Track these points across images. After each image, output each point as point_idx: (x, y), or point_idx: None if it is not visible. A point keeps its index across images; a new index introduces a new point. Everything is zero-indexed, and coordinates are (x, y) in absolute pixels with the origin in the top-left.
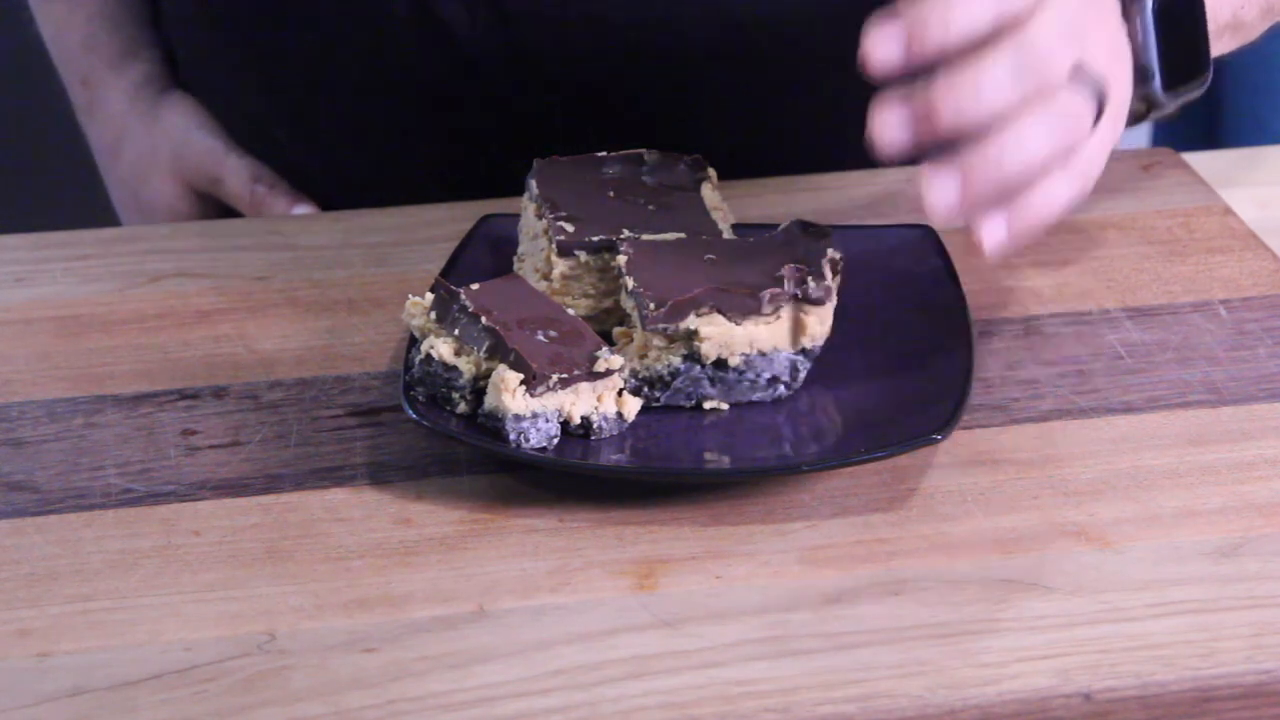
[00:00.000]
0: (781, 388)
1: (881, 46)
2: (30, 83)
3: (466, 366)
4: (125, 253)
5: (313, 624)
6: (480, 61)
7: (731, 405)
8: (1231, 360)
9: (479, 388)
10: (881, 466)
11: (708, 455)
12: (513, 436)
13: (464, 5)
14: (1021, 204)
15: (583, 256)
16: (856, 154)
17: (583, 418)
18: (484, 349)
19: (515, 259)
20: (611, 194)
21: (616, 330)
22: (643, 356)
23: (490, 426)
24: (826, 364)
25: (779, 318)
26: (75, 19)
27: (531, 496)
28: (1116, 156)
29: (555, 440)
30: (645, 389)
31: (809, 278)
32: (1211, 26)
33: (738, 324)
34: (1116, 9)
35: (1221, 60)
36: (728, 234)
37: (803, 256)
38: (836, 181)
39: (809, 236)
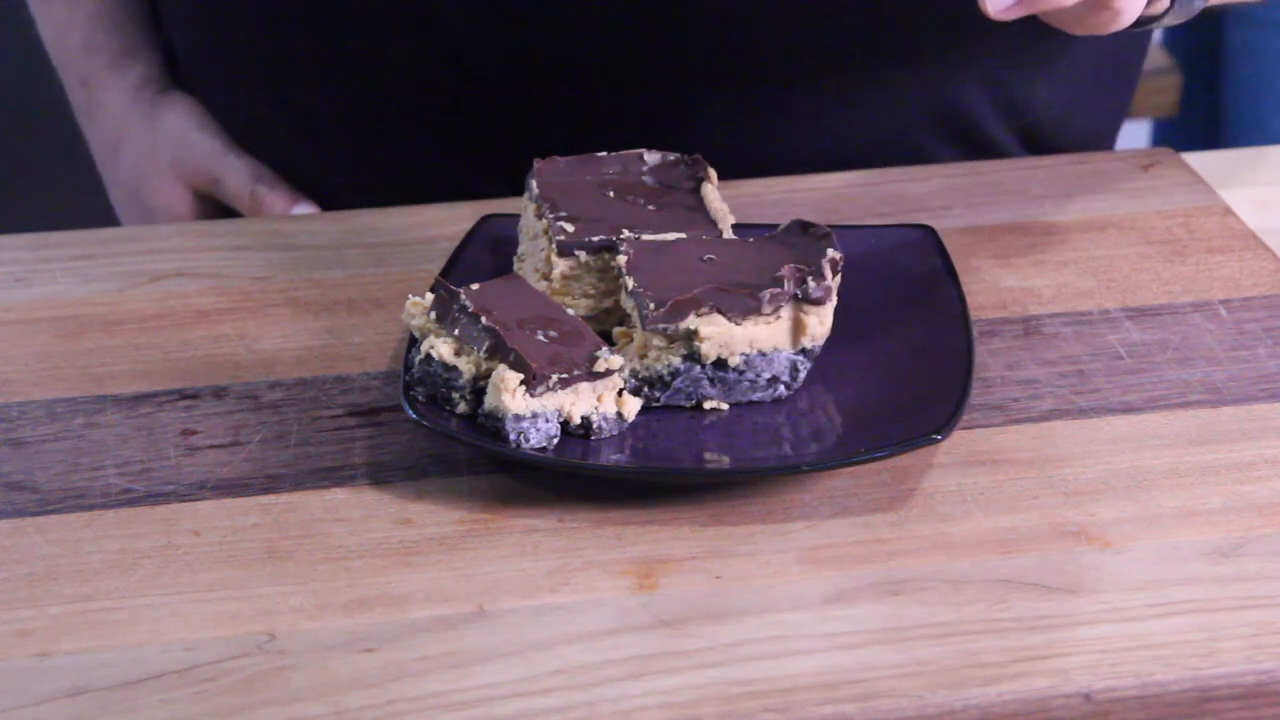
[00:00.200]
0: (781, 388)
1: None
2: (30, 83)
3: (466, 366)
4: (125, 253)
5: (313, 624)
6: (480, 61)
7: (731, 405)
8: (1231, 360)
9: (479, 388)
10: (881, 466)
11: (708, 455)
12: (513, 436)
13: (464, 5)
14: None
15: (583, 256)
16: (856, 154)
17: (583, 418)
18: (484, 349)
19: (515, 259)
20: (611, 194)
21: (616, 330)
22: (643, 356)
23: (490, 426)
24: (826, 364)
25: (779, 318)
26: (75, 20)
27: (531, 496)
28: (1117, 156)
29: (555, 440)
30: (645, 389)
31: (809, 278)
32: None
33: (738, 324)
34: None
35: (1223, 60)
36: (728, 234)
37: (803, 256)
38: (837, 181)
39: (809, 236)
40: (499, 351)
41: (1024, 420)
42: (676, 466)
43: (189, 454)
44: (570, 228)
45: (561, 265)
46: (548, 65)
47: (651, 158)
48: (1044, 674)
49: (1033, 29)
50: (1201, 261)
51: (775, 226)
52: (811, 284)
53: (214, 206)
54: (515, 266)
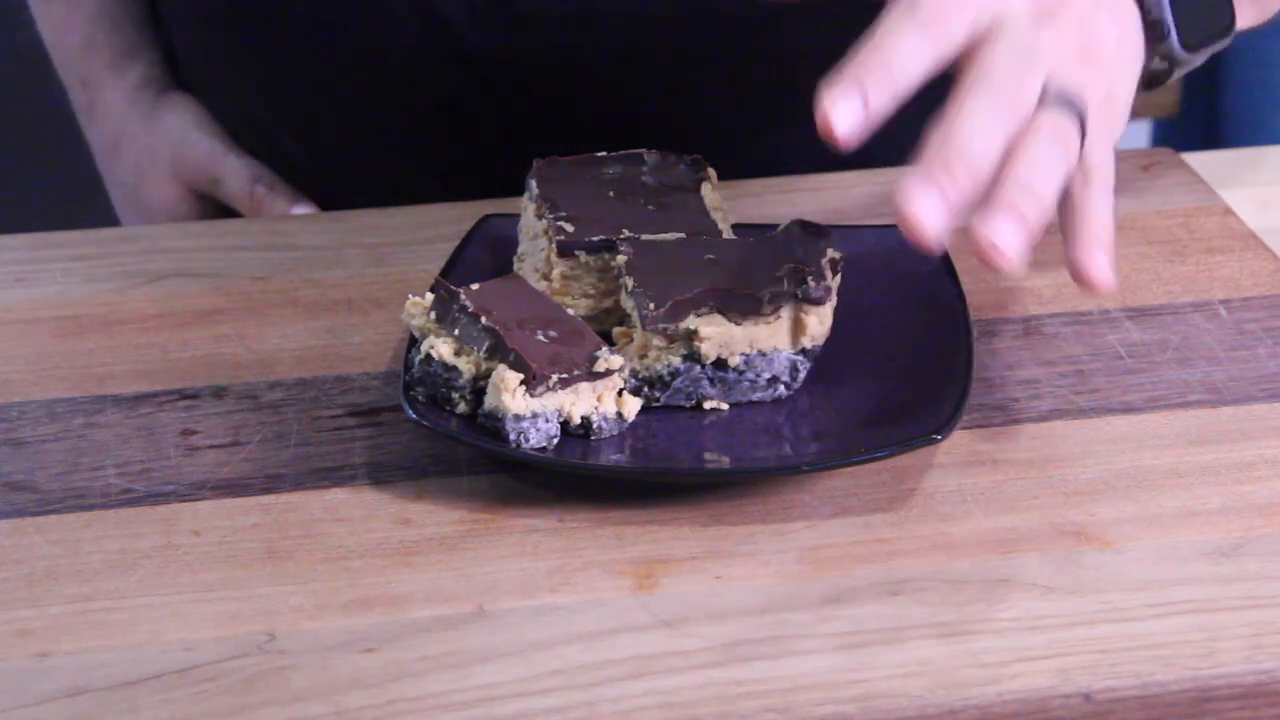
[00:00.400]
0: (781, 388)
1: (841, 118)
2: (30, 83)
3: (466, 366)
4: (125, 253)
5: (313, 624)
6: (481, 61)
7: (731, 405)
8: (1231, 360)
9: (479, 388)
10: (881, 466)
11: (708, 455)
12: (513, 436)
13: (464, 5)
14: (1035, 211)
15: (583, 256)
16: (856, 154)
17: (583, 418)
18: (484, 349)
19: (515, 259)
20: (611, 194)
21: (616, 330)
22: (643, 356)
23: (490, 426)
24: (826, 364)
25: (779, 318)
26: (75, 20)
27: (531, 496)
28: (1117, 156)
29: (555, 440)
30: (645, 389)
31: (809, 278)
32: None
33: (738, 324)
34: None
35: (1223, 60)
36: (728, 234)
37: (803, 256)
38: (836, 181)
39: (809, 236)
40: (499, 351)
41: (1024, 420)
42: (676, 466)
43: (189, 454)
44: (570, 228)
45: (561, 265)
46: (547, 65)
47: (651, 158)
48: (1044, 674)
49: None
50: (1201, 261)
51: (775, 226)
52: (811, 284)
53: (214, 206)
54: (515, 266)
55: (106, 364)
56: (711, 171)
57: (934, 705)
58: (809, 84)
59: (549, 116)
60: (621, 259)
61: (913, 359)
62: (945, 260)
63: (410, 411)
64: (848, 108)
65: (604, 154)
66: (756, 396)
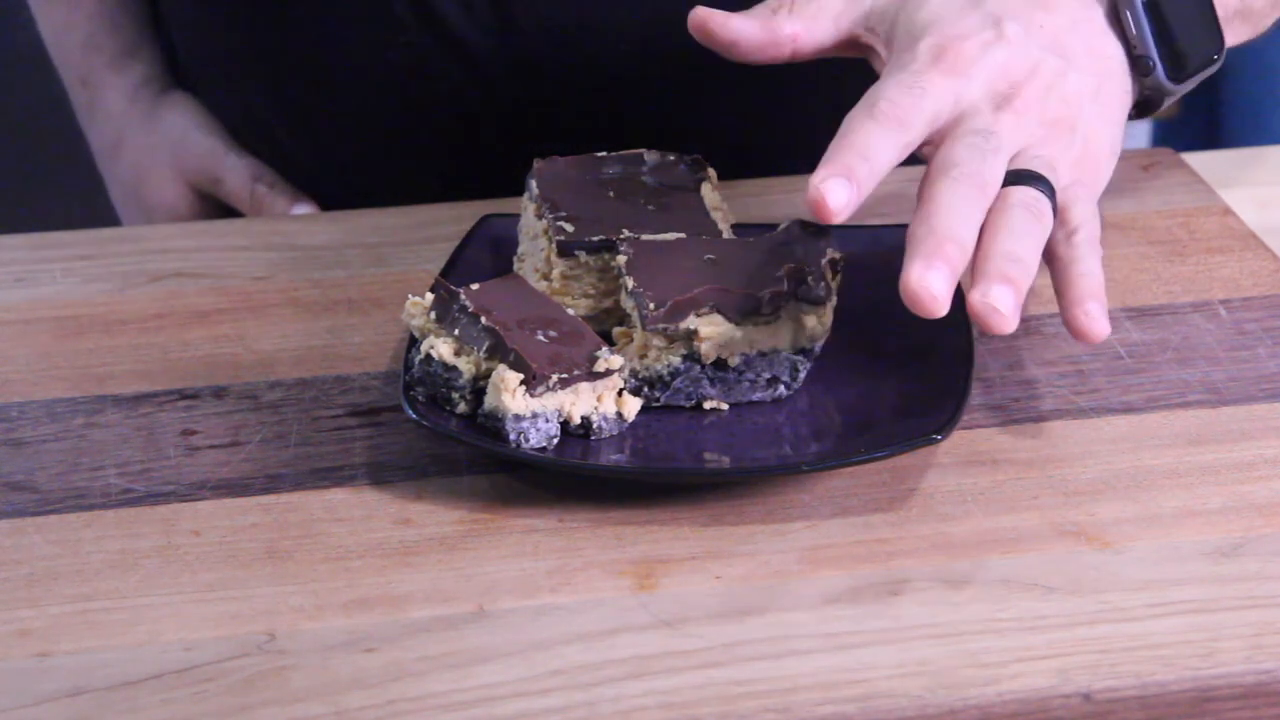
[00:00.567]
0: (781, 388)
1: (834, 195)
2: (30, 83)
3: (466, 366)
4: (125, 253)
5: (313, 624)
6: (480, 61)
7: (731, 405)
8: (1231, 360)
9: (479, 388)
10: (881, 466)
11: (708, 455)
12: (513, 436)
13: (464, 5)
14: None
15: (583, 256)
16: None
17: (583, 418)
18: (484, 349)
19: (515, 259)
20: (611, 194)
21: (616, 330)
22: (643, 356)
23: (490, 426)
24: (826, 364)
25: (779, 318)
26: (75, 19)
27: (531, 496)
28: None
29: (555, 440)
30: (645, 389)
31: (809, 278)
32: (1220, 13)
33: (738, 324)
34: (1060, 61)
35: (1224, 59)
36: (728, 234)
37: (803, 256)
38: None
39: (809, 236)
40: (499, 351)
41: (1024, 420)
42: (676, 466)
43: (189, 454)
44: (570, 228)
45: (561, 265)
46: (547, 65)
47: (651, 158)
48: (1044, 674)
49: None
50: (1201, 261)
51: (775, 226)
52: (811, 284)
53: (214, 206)
54: (515, 266)
55: (106, 364)
56: (711, 171)
57: (934, 705)
58: (809, 85)
59: (549, 117)
60: (621, 259)
61: (913, 359)
62: None
63: (410, 411)
64: (838, 184)
65: (604, 154)
66: (756, 396)
